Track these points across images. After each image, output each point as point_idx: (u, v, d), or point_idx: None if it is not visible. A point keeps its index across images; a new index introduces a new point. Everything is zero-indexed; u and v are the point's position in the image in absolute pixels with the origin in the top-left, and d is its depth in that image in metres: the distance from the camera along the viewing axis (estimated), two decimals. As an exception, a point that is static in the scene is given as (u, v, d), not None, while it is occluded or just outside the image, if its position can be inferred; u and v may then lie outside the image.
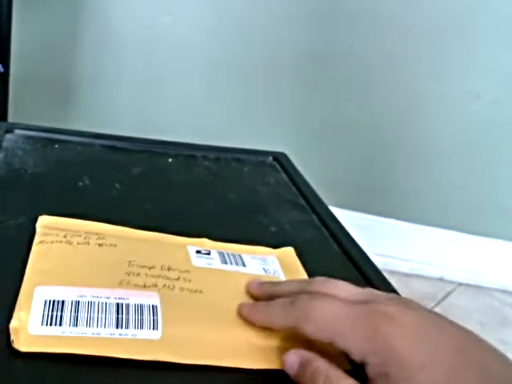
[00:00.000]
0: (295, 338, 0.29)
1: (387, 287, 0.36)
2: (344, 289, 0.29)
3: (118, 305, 0.28)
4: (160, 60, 1.25)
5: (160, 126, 1.24)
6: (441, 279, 1.40)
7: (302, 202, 0.47)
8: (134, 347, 0.27)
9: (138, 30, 1.23)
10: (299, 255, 0.38)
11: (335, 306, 0.27)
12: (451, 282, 1.40)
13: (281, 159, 0.55)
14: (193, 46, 1.24)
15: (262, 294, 0.31)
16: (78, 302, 0.28)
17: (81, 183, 0.45)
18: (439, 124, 1.29)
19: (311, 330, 0.26)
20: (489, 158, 1.31)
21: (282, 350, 0.28)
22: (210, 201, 0.46)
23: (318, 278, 0.30)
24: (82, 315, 0.27)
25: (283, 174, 0.53)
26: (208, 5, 1.22)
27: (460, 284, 1.40)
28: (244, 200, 0.47)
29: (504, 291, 1.40)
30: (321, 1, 1.20)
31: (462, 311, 1.32)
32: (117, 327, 0.27)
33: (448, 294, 1.36)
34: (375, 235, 1.34)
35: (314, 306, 0.27)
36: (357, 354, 0.25)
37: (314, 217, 0.45)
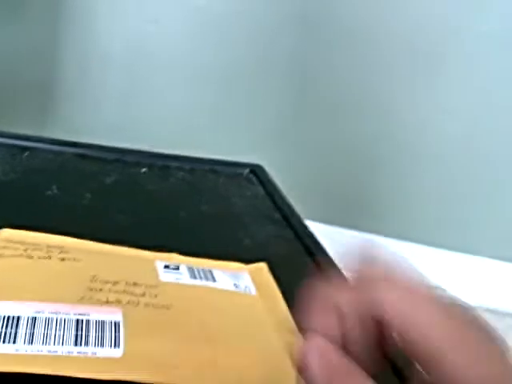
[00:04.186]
0: (268, 362, 0.27)
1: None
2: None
3: (77, 321, 0.27)
4: (144, 68, 1.24)
5: (142, 136, 1.22)
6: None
7: (278, 215, 0.46)
8: (94, 366, 0.25)
9: (123, 38, 1.22)
10: (273, 270, 0.37)
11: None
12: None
13: (257, 171, 0.54)
14: (177, 54, 1.23)
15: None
16: (34, 318, 0.26)
17: (49, 192, 0.43)
18: (414, 139, 1.30)
19: None
20: (465, 174, 1.33)
21: (251, 373, 0.27)
22: (184, 212, 0.44)
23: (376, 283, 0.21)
24: (39, 332, 0.26)
25: (259, 187, 0.52)
26: (193, 15, 1.21)
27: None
28: (218, 212, 0.46)
29: (479, 308, 1.41)
30: (304, 15, 1.21)
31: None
32: (76, 345, 0.26)
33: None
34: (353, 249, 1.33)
35: None
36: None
37: (290, 231, 0.44)
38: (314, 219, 1.11)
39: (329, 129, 1.28)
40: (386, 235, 1.35)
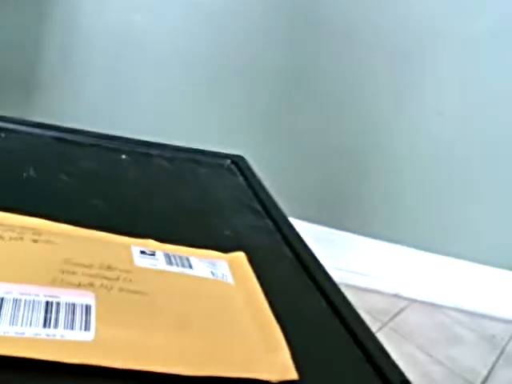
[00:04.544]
0: (244, 350, 0.27)
1: (338, 294, 0.35)
2: None
3: (47, 303, 0.26)
4: (128, 57, 1.22)
5: (124, 124, 1.21)
6: (396, 295, 1.41)
7: (258, 206, 0.46)
8: (62, 349, 0.25)
9: (108, 27, 1.20)
10: (251, 260, 0.36)
11: None
12: (405, 299, 1.41)
13: (239, 162, 0.53)
14: (164, 45, 1.21)
15: None
16: (1, 299, 0.25)
17: (26, 175, 0.42)
18: (400, 140, 1.31)
19: None
20: (448, 176, 1.34)
21: (221, 358, 0.26)
22: (163, 200, 0.44)
23: None
24: (6, 313, 0.25)
25: (240, 178, 0.51)
26: (181, 6, 1.20)
27: (414, 301, 1.42)
28: (198, 201, 0.45)
29: (457, 309, 1.42)
30: (295, 14, 1.20)
31: (413, 327, 1.33)
32: (44, 326, 0.25)
33: (401, 310, 1.37)
34: (333, 249, 1.34)
35: None
36: None
37: (269, 222, 0.44)
38: (296, 217, 1.10)
39: (317, 127, 1.28)
40: (370, 236, 1.36)
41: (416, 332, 1.31)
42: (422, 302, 1.42)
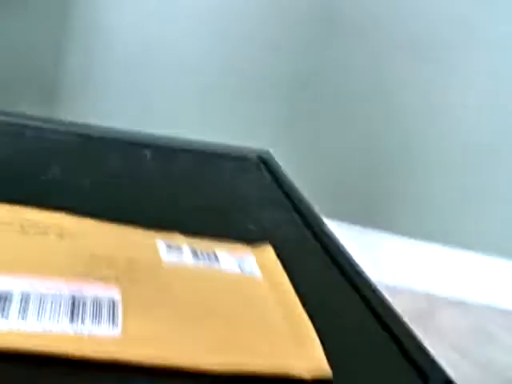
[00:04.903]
0: (273, 345, 0.26)
1: (370, 289, 0.33)
2: None
3: (73, 298, 0.26)
4: (149, 64, 1.22)
5: (147, 123, 1.21)
6: (427, 294, 1.38)
7: (285, 200, 0.45)
8: (90, 345, 0.24)
9: (126, 31, 1.21)
10: (278, 254, 0.35)
11: None
12: (437, 298, 1.38)
13: (265, 158, 0.53)
14: (183, 48, 1.22)
15: None
16: (27, 295, 0.25)
17: (51, 173, 0.42)
18: (428, 137, 1.28)
19: None
20: (478, 172, 1.30)
21: (251, 353, 0.25)
22: (187, 196, 0.43)
23: None
24: (32, 308, 0.25)
25: (266, 173, 0.50)
26: (198, 8, 1.20)
27: (445, 299, 1.39)
28: (223, 197, 0.44)
29: (489, 308, 1.39)
30: (312, 15, 1.19)
31: (445, 327, 1.29)
32: (71, 322, 0.25)
33: (434, 310, 1.34)
34: (362, 247, 1.32)
35: None
36: None
37: (297, 216, 0.43)
38: (324, 215, 1.09)
39: (337, 125, 1.26)
40: (400, 234, 1.33)
41: (448, 332, 1.28)
42: (454, 301, 1.39)
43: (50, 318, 0.25)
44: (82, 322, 0.25)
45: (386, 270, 1.36)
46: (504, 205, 1.31)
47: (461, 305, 1.38)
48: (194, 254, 0.32)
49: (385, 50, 1.20)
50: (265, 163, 0.52)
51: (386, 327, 0.31)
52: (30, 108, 1.18)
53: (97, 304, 0.26)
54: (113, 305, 0.26)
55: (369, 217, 1.32)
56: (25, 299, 0.25)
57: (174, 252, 0.32)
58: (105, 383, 0.24)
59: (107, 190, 0.41)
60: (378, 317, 0.31)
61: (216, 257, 0.33)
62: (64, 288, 0.26)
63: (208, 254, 0.33)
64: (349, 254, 0.37)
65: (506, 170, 1.29)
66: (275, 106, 1.24)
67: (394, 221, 1.33)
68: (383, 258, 1.35)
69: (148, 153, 0.49)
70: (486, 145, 1.27)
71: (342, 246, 0.38)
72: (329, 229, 0.40)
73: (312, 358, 0.26)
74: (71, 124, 0.50)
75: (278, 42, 1.19)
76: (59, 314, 0.25)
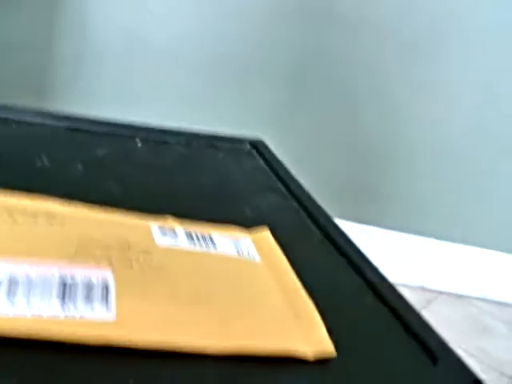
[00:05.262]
0: (273, 328, 0.25)
1: (372, 268, 0.32)
2: None
3: (63, 280, 0.24)
4: (140, 54, 1.21)
5: (139, 114, 1.20)
6: (422, 287, 1.38)
7: (281, 187, 0.44)
8: (83, 329, 0.23)
9: (117, 28, 1.19)
10: (276, 239, 0.34)
11: None
12: (432, 291, 1.38)
13: (258, 146, 0.52)
14: (175, 42, 1.21)
15: None
16: (16, 279, 0.24)
17: (40, 163, 0.41)
18: (426, 131, 1.28)
19: None
20: (474, 167, 1.30)
21: (251, 334, 0.24)
22: (180, 185, 0.42)
23: None
24: (20, 293, 0.23)
25: (261, 161, 0.49)
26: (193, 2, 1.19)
27: (441, 292, 1.38)
28: (217, 184, 0.43)
29: (484, 300, 1.38)
30: (313, 5, 1.19)
31: (442, 320, 1.29)
32: (62, 306, 0.23)
33: (429, 303, 1.34)
34: (357, 242, 1.31)
35: None
36: None
37: (294, 202, 0.42)
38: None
39: (331, 119, 1.26)
40: (394, 229, 1.33)
41: (444, 324, 1.27)
42: (449, 294, 1.39)
43: (39, 302, 0.23)
44: (74, 305, 0.24)
45: (379, 264, 1.35)
46: (498, 198, 1.31)
47: (456, 297, 1.37)
48: (189, 236, 0.31)
49: (383, 43, 1.20)
50: (258, 150, 0.51)
51: (389, 306, 0.30)
52: (19, 100, 1.17)
53: (87, 286, 0.25)
54: (106, 287, 0.25)
55: (362, 211, 1.31)
56: (14, 283, 0.24)
57: (168, 235, 0.31)
58: (99, 367, 0.22)
59: (97, 180, 0.40)
60: (380, 296, 0.30)
61: (212, 240, 0.31)
62: (54, 271, 0.25)
63: (204, 237, 0.31)
64: (349, 236, 0.36)
65: (499, 164, 1.29)
66: (272, 95, 1.23)
67: (387, 215, 1.32)
68: (376, 253, 1.34)
69: (139, 144, 0.48)
70: (482, 139, 1.27)
71: (342, 230, 0.37)
72: (327, 213, 0.40)
73: (315, 338, 0.25)
74: (60, 115, 0.49)
75: (277, 32, 1.18)
76: (50, 298, 0.24)
